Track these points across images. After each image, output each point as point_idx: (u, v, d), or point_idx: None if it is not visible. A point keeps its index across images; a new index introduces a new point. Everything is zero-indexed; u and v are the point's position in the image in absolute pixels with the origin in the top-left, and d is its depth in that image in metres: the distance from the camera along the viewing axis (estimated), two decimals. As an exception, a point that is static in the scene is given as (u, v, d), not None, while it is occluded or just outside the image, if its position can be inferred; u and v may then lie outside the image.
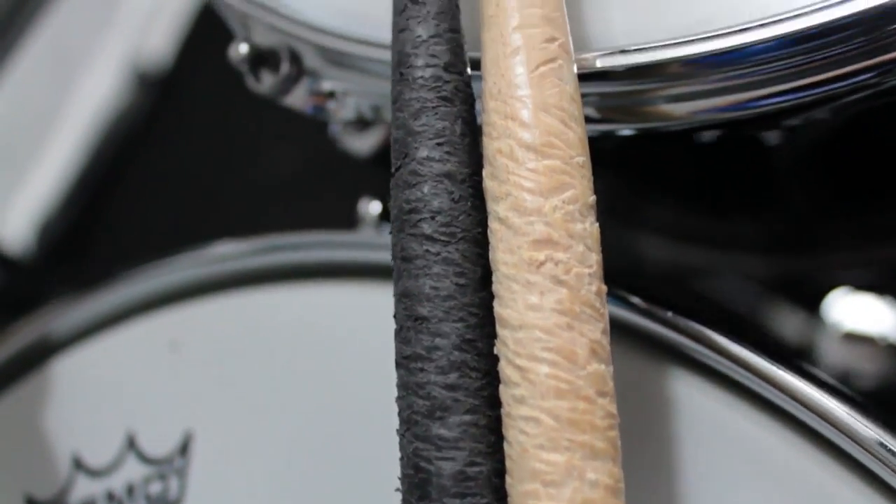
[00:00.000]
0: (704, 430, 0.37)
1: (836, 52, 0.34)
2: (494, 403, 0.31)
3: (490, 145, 0.33)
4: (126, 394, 0.47)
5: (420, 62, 0.35)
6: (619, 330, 0.35)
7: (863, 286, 0.59)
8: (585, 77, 0.35)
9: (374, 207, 0.45)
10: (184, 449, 0.44)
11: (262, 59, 0.43)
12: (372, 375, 0.37)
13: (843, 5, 0.33)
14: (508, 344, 0.31)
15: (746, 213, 0.58)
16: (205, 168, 0.87)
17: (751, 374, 0.36)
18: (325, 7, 0.42)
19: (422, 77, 0.35)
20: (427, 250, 0.33)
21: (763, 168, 0.55)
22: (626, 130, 0.38)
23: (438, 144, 0.34)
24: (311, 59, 0.43)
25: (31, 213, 0.88)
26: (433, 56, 0.35)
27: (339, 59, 0.42)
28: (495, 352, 0.31)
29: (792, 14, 0.34)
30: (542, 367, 0.30)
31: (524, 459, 0.30)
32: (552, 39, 0.33)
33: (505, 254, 0.32)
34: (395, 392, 0.33)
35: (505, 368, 0.31)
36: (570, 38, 0.34)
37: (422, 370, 0.32)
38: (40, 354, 0.50)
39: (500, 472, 0.31)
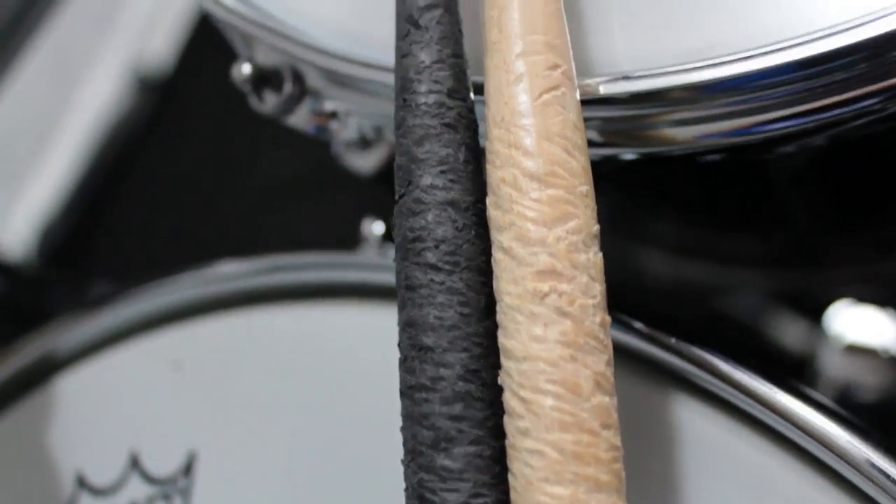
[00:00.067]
0: (707, 455, 0.37)
1: (840, 78, 0.34)
2: (499, 434, 0.31)
3: (494, 174, 0.33)
4: (129, 413, 0.47)
5: (423, 88, 0.34)
6: (621, 355, 0.34)
7: (864, 299, 0.59)
8: (588, 102, 0.35)
9: (377, 228, 0.45)
10: (188, 469, 0.44)
11: (265, 79, 0.43)
12: (374, 395, 0.37)
13: (847, 33, 0.33)
14: (513, 375, 0.31)
15: (747, 227, 0.58)
16: (206, 173, 0.88)
17: (753, 401, 0.35)
18: (328, 27, 0.42)
19: (425, 103, 0.34)
20: (431, 279, 0.32)
21: (763, 182, 0.54)
22: (629, 155, 0.38)
23: (442, 172, 0.33)
24: (313, 80, 0.43)
25: (32, 218, 0.88)
26: (436, 82, 0.34)
27: (341, 80, 0.42)
28: (499, 382, 0.31)
29: (796, 42, 0.33)
30: (547, 399, 0.30)
31: (529, 492, 0.30)
32: (555, 66, 0.33)
33: (509, 284, 0.31)
34: (397, 410, 0.33)
35: (509, 400, 0.31)
36: (573, 65, 0.34)
37: (426, 401, 0.31)
38: (44, 372, 0.49)
39: (504, 503, 0.31)
